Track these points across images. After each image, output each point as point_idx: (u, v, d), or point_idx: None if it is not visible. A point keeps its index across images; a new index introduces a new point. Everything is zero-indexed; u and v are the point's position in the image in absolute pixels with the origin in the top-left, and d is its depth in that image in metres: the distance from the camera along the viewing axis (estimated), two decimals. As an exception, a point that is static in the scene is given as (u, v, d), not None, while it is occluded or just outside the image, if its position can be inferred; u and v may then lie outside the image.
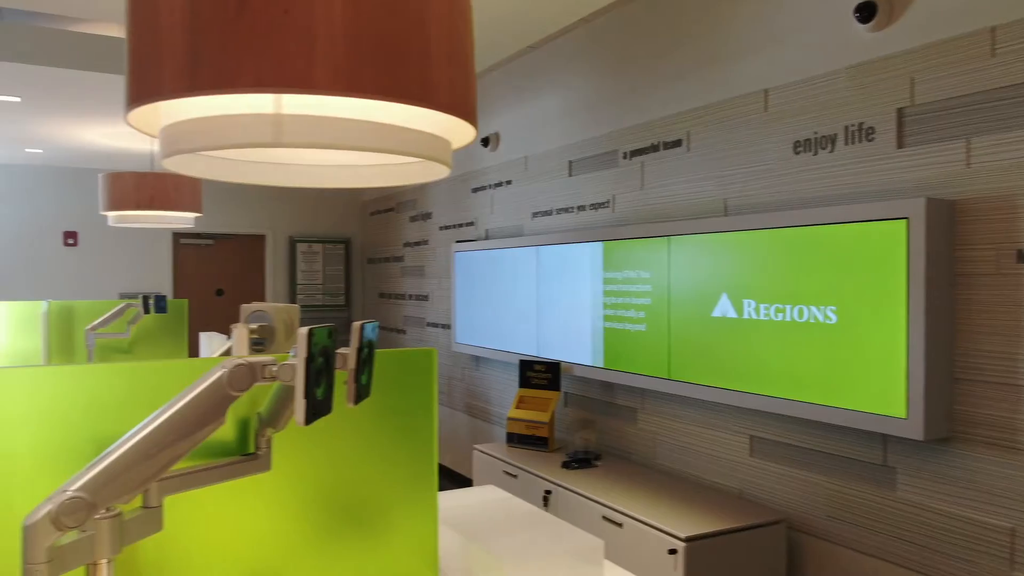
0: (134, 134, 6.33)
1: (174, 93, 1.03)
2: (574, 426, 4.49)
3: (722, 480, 3.45)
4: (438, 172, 1.35)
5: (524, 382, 4.33)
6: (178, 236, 8.46)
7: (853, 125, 2.87)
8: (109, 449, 0.83)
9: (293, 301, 8.79)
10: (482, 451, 4.21)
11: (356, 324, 1.00)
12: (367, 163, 1.34)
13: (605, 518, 3.21)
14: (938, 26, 2.60)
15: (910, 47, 2.68)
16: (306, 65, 1.02)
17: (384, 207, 7.92)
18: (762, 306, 3.06)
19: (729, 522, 2.95)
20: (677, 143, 3.73)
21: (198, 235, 8.53)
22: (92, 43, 4.46)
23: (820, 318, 2.83)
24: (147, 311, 4.19)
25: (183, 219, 5.34)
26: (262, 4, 1.00)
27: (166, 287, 8.32)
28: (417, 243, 6.92)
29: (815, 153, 3.01)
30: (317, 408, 0.89)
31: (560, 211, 4.66)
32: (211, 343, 4.36)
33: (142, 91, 1.07)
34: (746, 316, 3.13)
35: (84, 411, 1.18)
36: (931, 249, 2.49)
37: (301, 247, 8.76)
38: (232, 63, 1.01)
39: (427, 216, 6.66)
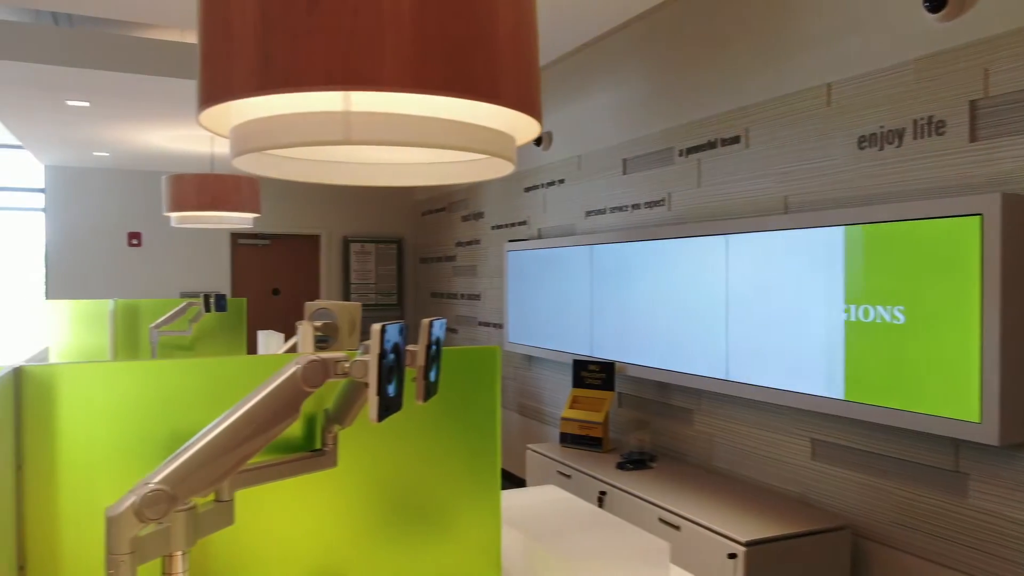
0: (195, 136, 6.50)
1: (245, 92, 1.04)
2: (628, 427, 4.44)
3: (782, 484, 3.37)
4: (503, 168, 1.34)
5: (578, 382, 4.30)
6: (236, 236, 8.65)
7: (922, 119, 2.77)
8: (188, 443, 0.84)
9: (347, 300, 8.91)
10: (535, 451, 4.20)
11: (425, 321, 1.00)
12: (432, 160, 1.34)
13: (662, 520, 3.17)
14: (1014, 14, 2.49)
15: (984, 36, 2.58)
16: (375, 62, 1.02)
17: (436, 207, 7.97)
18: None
19: (791, 526, 2.88)
20: (735, 140, 3.66)
21: (255, 235, 8.71)
22: (158, 48, 4.59)
23: (887, 318, 2.74)
24: (208, 310, 4.29)
25: (242, 219, 5.46)
26: (332, 2, 1.00)
27: (224, 286, 8.52)
28: (469, 243, 6.94)
29: (881, 148, 2.92)
30: (389, 405, 0.89)
31: (614, 210, 4.62)
32: (269, 341, 4.44)
33: (214, 91, 1.09)
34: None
35: (158, 405, 1.20)
36: (1007, 246, 2.39)
37: (354, 247, 8.87)
38: (302, 61, 1.01)
39: (479, 216, 6.68)
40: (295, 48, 1.01)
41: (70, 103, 5.25)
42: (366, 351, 1.02)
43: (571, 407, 4.25)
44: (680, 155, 4.04)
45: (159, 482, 0.79)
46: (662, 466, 3.80)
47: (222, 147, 6.98)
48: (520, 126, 1.30)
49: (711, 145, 3.82)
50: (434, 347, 1.03)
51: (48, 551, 1.15)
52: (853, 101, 3.04)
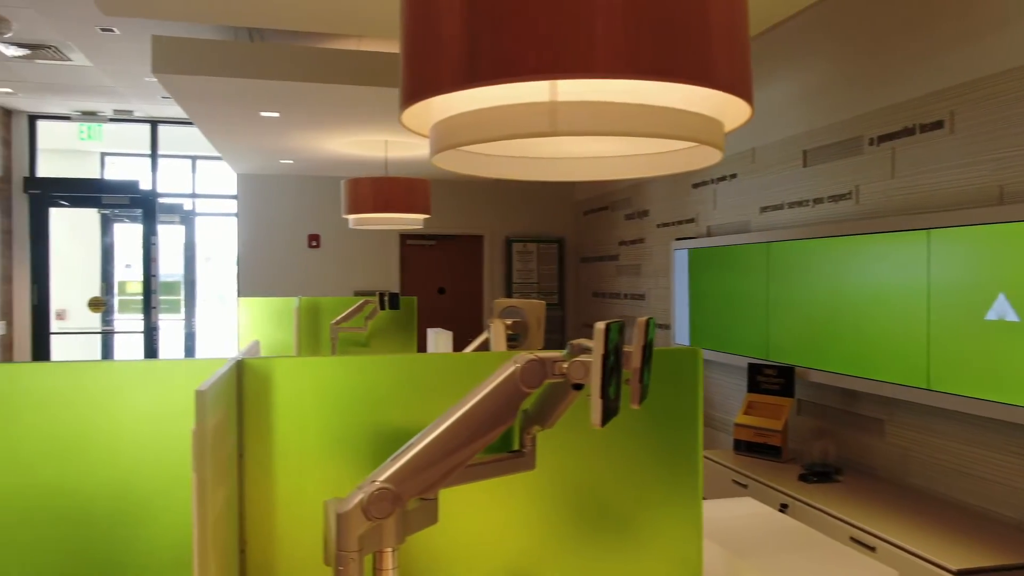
0: (371, 142, 6.81)
1: (453, 86, 1.02)
2: (808, 436, 4.16)
3: (995, 507, 3.01)
4: (710, 157, 1.25)
5: (753, 387, 4.08)
6: (404, 237, 9.01)
7: None
8: (410, 443, 0.83)
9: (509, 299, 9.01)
10: (709, 458, 4.03)
11: (641, 320, 0.94)
12: (633, 152, 1.27)
13: (854, 539, 2.92)
14: None
15: None
16: (586, 48, 0.97)
17: (598, 206, 7.90)
18: (1053, 308, 2.63)
19: (1011, 556, 2.56)
20: (938, 124, 3.32)
21: (422, 236, 9.03)
22: (339, 58, 4.84)
23: None
24: (383, 307, 4.46)
25: (413, 221, 5.66)
26: (540, -12, 0.96)
27: (393, 285, 8.89)
28: (633, 241, 6.81)
29: None
30: (609, 408, 0.84)
31: (792, 205, 4.34)
32: (438, 339, 4.56)
33: (419, 87, 1.08)
34: (1031, 320, 2.70)
35: (362, 399, 1.22)
36: None
37: (516, 247, 8.98)
38: (511, 51, 0.98)
39: (644, 214, 6.54)
40: (503, 37, 0.98)
41: (263, 114, 5.66)
42: (574, 352, 0.97)
43: (746, 413, 4.04)
44: (870, 144, 3.73)
45: (385, 481, 0.79)
46: (849, 479, 3.52)
47: (395, 152, 7.27)
48: (729, 110, 1.20)
49: (908, 132, 3.49)
50: (648, 348, 0.96)
51: (265, 535, 1.19)
52: (1089, 75, 2.66)
